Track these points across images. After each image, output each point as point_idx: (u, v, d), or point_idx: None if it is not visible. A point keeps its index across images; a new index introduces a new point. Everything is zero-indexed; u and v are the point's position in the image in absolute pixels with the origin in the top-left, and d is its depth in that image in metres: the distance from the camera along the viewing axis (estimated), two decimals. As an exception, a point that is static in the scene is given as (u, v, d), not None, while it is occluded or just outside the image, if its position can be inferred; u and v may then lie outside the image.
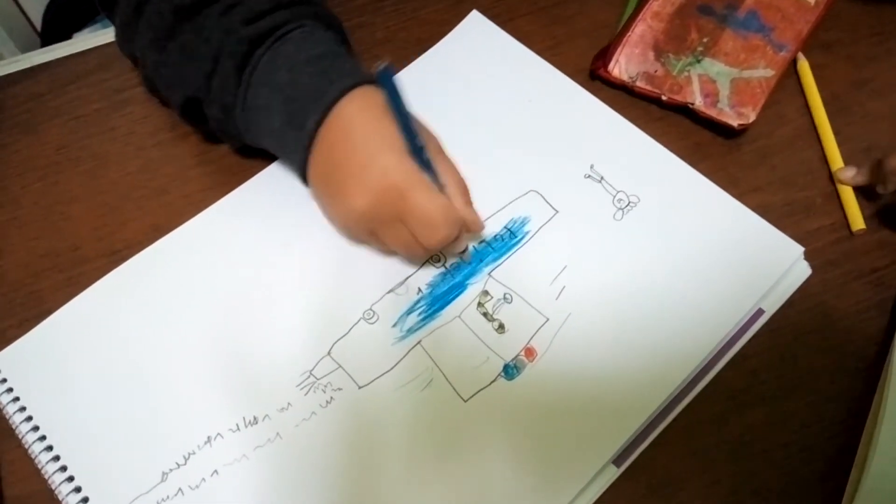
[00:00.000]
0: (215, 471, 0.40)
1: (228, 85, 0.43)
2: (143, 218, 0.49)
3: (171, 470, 0.40)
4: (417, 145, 0.40)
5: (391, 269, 0.45)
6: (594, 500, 0.39)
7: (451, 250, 0.44)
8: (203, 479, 0.39)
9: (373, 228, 0.42)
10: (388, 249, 0.44)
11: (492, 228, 0.47)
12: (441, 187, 0.41)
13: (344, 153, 0.41)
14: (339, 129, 0.41)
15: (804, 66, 0.53)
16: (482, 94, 0.51)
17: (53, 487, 0.40)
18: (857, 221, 0.47)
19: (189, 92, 0.45)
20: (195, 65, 0.43)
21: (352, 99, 0.41)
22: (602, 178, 0.48)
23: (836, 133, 0.50)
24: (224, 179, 0.49)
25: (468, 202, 0.43)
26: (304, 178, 0.44)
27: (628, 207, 0.47)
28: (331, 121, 0.41)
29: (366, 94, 0.41)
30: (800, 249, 0.44)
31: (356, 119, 0.41)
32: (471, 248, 0.46)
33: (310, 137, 0.41)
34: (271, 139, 0.44)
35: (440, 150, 0.43)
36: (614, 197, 0.47)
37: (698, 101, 0.50)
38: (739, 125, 0.49)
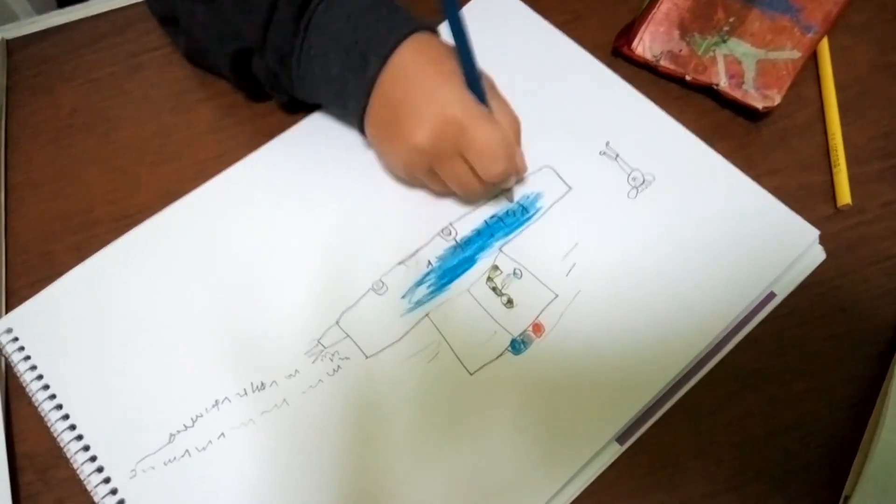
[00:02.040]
0: (222, 434, 0.40)
1: (286, 33, 0.43)
2: (155, 183, 0.49)
3: (178, 431, 0.40)
4: (475, 72, 0.40)
5: (401, 240, 0.45)
6: (596, 476, 0.39)
7: (501, 186, 0.45)
8: (210, 442, 0.40)
9: (432, 163, 0.42)
10: (443, 190, 0.45)
11: (504, 202, 0.46)
12: (496, 120, 0.41)
13: (402, 93, 0.41)
14: (398, 72, 0.41)
15: (823, 51, 0.52)
16: (499, 67, 0.50)
17: (62, 445, 0.40)
18: (844, 196, 0.46)
19: (243, 43, 0.45)
20: (250, 15, 0.43)
21: (409, 45, 0.41)
22: (617, 155, 0.47)
23: (859, 117, 0.49)
24: (237, 147, 0.49)
25: (518, 142, 0.44)
26: (360, 124, 0.45)
27: (643, 186, 0.46)
28: (389, 66, 0.41)
29: (422, 40, 0.42)
30: (815, 233, 0.44)
31: (413, 62, 0.41)
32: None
33: (371, 83, 0.42)
34: (328, 87, 0.44)
35: (494, 88, 0.43)
36: (629, 175, 0.47)
37: (723, 83, 0.49)
38: (764, 108, 0.48)
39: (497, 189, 0.45)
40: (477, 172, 0.41)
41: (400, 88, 0.41)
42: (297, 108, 0.50)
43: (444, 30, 0.41)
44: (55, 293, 0.44)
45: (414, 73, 0.41)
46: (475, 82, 0.41)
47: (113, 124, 0.52)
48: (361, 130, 0.46)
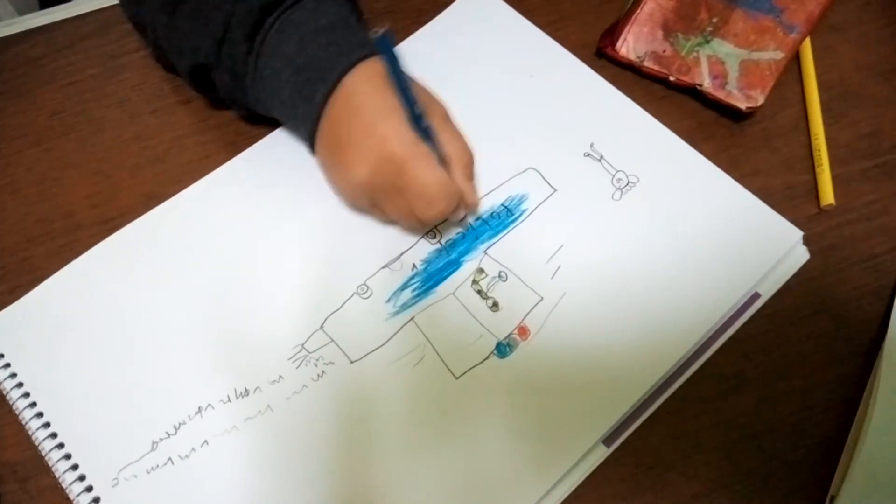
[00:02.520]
0: (205, 441, 0.40)
1: (238, 53, 0.42)
2: (137, 186, 0.49)
3: (161, 439, 0.40)
4: (416, 113, 0.39)
5: (386, 244, 0.45)
6: (583, 479, 0.39)
7: (448, 222, 0.44)
8: (193, 450, 0.39)
9: (374, 199, 0.42)
10: (389, 220, 0.44)
11: (489, 205, 0.46)
12: (442, 157, 0.41)
13: (347, 124, 0.40)
14: (345, 101, 0.40)
15: (806, 51, 0.52)
16: (483, 69, 0.51)
17: (44, 454, 0.40)
18: (827, 196, 0.46)
19: (198, 58, 0.44)
20: (205, 30, 0.42)
21: (359, 71, 0.40)
22: (602, 156, 0.47)
23: (842, 116, 0.50)
24: (220, 149, 0.49)
25: (469, 175, 0.43)
26: (312, 148, 0.44)
27: (627, 187, 0.46)
28: (337, 93, 0.40)
29: (373, 66, 0.41)
30: (798, 234, 0.44)
31: (360, 89, 0.40)
32: (469, 220, 0.46)
33: (318, 110, 0.41)
34: (280, 109, 0.44)
35: (446, 119, 0.42)
36: (613, 176, 0.46)
37: (707, 83, 0.49)
38: (748, 108, 0.48)
39: (451, 222, 0.45)
40: (414, 212, 0.41)
41: (345, 119, 0.40)
42: (259, 121, 0.49)
43: (404, 46, 0.40)
44: (35, 299, 0.44)
45: (359, 104, 0.40)
46: (417, 120, 0.40)
47: (94, 127, 0.51)
48: (314, 153, 0.45)
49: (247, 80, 0.43)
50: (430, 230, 0.46)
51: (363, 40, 0.42)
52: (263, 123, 0.49)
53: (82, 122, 0.52)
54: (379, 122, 0.40)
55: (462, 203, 0.42)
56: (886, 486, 0.37)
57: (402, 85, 0.39)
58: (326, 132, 0.42)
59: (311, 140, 0.43)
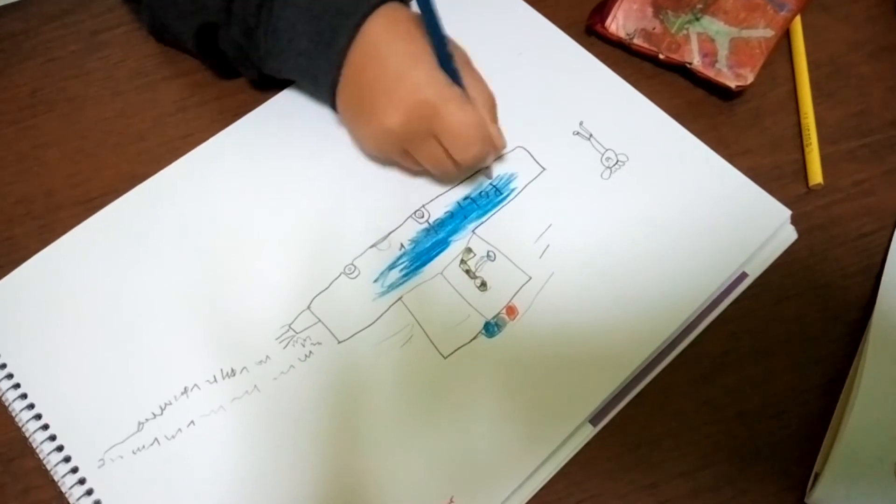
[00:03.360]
0: (192, 421, 0.39)
1: (251, 4, 0.41)
2: (119, 165, 0.48)
3: (147, 420, 0.39)
4: (446, 53, 0.39)
5: (373, 223, 0.45)
6: (570, 458, 0.40)
7: (477, 166, 0.44)
8: (179, 430, 0.39)
9: (406, 146, 0.42)
10: (419, 169, 0.44)
11: (477, 184, 0.46)
12: (470, 99, 0.40)
13: (374, 72, 0.40)
14: (369, 47, 0.40)
15: (796, 29, 0.51)
16: (470, 46, 0.49)
17: (28, 435, 0.39)
18: (816, 176, 0.46)
19: (206, 16, 0.43)
20: None
21: (379, 16, 0.40)
22: (591, 135, 0.47)
23: (831, 95, 0.50)
24: (203, 126, 0.48)
25: (494, 118, 0.43)
26: (332, 100, 0.43)
27: (616, 166, 0.46)
28: (360, 39, 0.40)
29: (393, 11, 0.40)
30: (786, 213, 0.44)
31: (384, 36, 0.40)
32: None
33: (341, 57, 0.40)
34: (296, 62, 0.42)
35: (469, 63, 0.42)
36: (602, 155, 0.46)
37: (696, 61, 0.49)
38: (737, 86, 0.48)
39: (474, 168, 0.45)
40: (450, 154, 0.41)
41: (371, 66, 0.40)
42: (268, 85, 0.48)
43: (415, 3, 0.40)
44: (17, 279, 0.43)
45: (386, 50, 0.40)
46: (448, 62, 0.40)
47: (75, 104, 0.50)
48: (333, 107, 0.44)
49: (258, 34, 0.42)
50: (418, 215, 0.45)
51: None
52: (245, 101, 0.48)
53: (63, 99, 0.51)
54: (410, 68, 0.39)
55: (492, 146, 0.42)
56: (869, 464, 0.37)
57: (435, 28, 0.39)
58: (351, 81, 0.41)
59: (331, 92, 0.42)
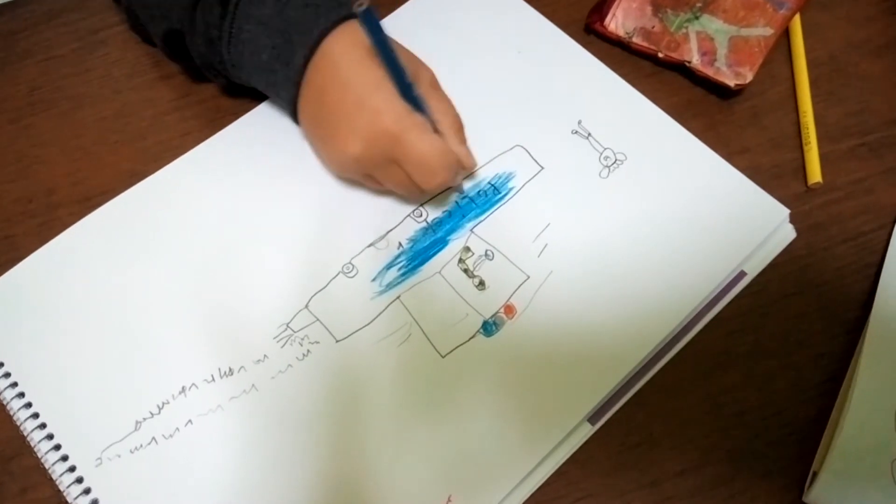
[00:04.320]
0: (189, 421, 0.39)
1: (212, 17, 0.41)
2: (118, 163, 0.48)
3: (144, 419, 0.39)
4: (406, 83, 0.39)
5: (371, 222, 0.45)
6: (568, 457, 0.40)
7: (446, 190, 0.44)
8: (177, 429, 0.39)
9: (369, 171, 0.41)
10: (383, 190, 0.44)
11: (475, 183, 0.46)
12: (434, 124, 0.40)
13: (334, 95, 0.39)
14: (328, 68, 0.39)
15: (795, 28, 0.51)
16: (469, 44, 0.50)
17: (25, 434, 0.39)
18: (815, 174, 0.46)
19: (172, 24, 0.43)
20: None
21: (340, 35, 0.39)
22: (589, 134, 0.47)
23: (831, 94, 0.49)
24: (202, 125, 0.48)
25: (462, 139, 0.42)
26: (294, 116, 0.43)
27: (615, 165, 0.46)
28: (318, 58, 0.39)
29: (354, 32, 0.39)
30: (785, 212, 0.44)
31: (344, 59, 0.39)
32: (464, 185, 0.45)
33: (298, 73, 0.40)
34: (258, 75, 0.42)
35: (434, 85, 0.42)
36: (601, 154, 0.46)
37: (695, 60, 0.49)
38: (736, 85, 0.48)
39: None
40: (414, 182, 0.40)
41: (331, 89, 0.39)
42: (238, 92, 0.48)
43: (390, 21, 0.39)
44: (16, 278, 0.43)
45: (346, 74, 0.39)
46: (408, 91, 0.39)
47: (73, 103, 0.50)
48: (296, 122, 0.44)
49: (222, 46, 0.42)
50: (418, 206, 0.45)
51: (343, 1, 0.40)
52: (245, 97, 0.48)
53: (61, 98, 0.51)
54: (369, 96, 0.39)
55: (461, 166, 0.41)
56: (867, 463, 0.37)
57: (390, 58, 0.38)
58: (311, 101, 0.41)
59: (292, 107, 0.42)
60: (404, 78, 0.39)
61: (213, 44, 0.42)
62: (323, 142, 0.43)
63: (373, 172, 0.41)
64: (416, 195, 0.43)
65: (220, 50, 0.42)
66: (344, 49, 0.39)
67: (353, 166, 0.41)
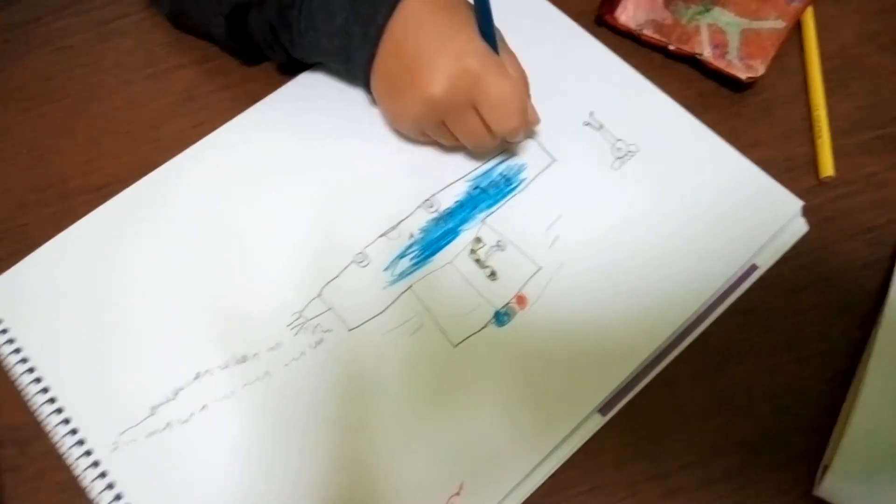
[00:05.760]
0: (205, 406, 0.40)
1: None
2: (131, 153, 0.48)
3: (160, 404, 0.40)
4: (490, 25, 0.39)
5: (384, 213, 0.45)
6: (578, 447, 0.40)
7: (512, 140, 0.44)
8: (192, 414, 0.39)
9: (444, 117, 0.42)
10: (452, 143, 0.44)
11: (487, 174, 0.46)
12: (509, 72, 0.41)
13: (414, 44, 0.40)
14: (409, 20, 0.40)
15: (808, 20, 0.51)
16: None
17: (42, 419, 0.40)
18: (827, 168, 0.46)
19: None
20: None
21: None
22: (602, 125, 0.47)
23: (843, 87, 0.49)
24: (214, 115, 0.48)
25: (528, 94, 0.43)
26: (366, 78, 0.43)
27: (627, 156, 0.46)
28: (399, 13, 0.40)
29: None
30: (798, 204, 0.44)
31: (424, 9, 0.40)
32: (465, 191, 0.45)
33: (379, 31, 0.40)
34: (330, 41, 0.42)
35: (503, 40, 0.42)
36: (613, 145, 0.46)
37: (707, 52, 0.49)
38: (748, 78, 0.48)
39: (504, 145, 0.45)
40: (489, 126, 0.41)
41: (411, 38, 0.40)
42: (293, 70, 0.49)
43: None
44: (31, 265, 0.44)
45: (427, 22, 0.40)
46: (490, 31, 0.40)
47: (86, 93, 0.51)
48: (365, 84, 0.44)
49: (293, 13, 0.42)
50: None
51: None
52: (258, 90, 0.48)
53: (74, 88, 0.51)
54: (452, 37, 0.39)
55: (527, 120, 0.42)
56: (878, 456, 0.37)
57: None
58: (388, 56, 0.41)
59: (366, 69, 0.42)
60: (490, 14, 0.39)
61: (284, 12, 0.42)
62: (400, 92, 0.42)
63: (448, 117, 0.41)
64: (485, 145, 0.43)
65: (290, 19, 0.42)
66: (421, 2, 0.40)
67: (432, 110, 0.41)
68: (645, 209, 0.44)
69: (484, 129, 0.41)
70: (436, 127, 0.43)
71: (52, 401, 0.40)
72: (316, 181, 0.46)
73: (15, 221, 0.46)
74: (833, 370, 0.42)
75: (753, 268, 0.43)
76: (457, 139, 0.43)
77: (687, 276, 0.42)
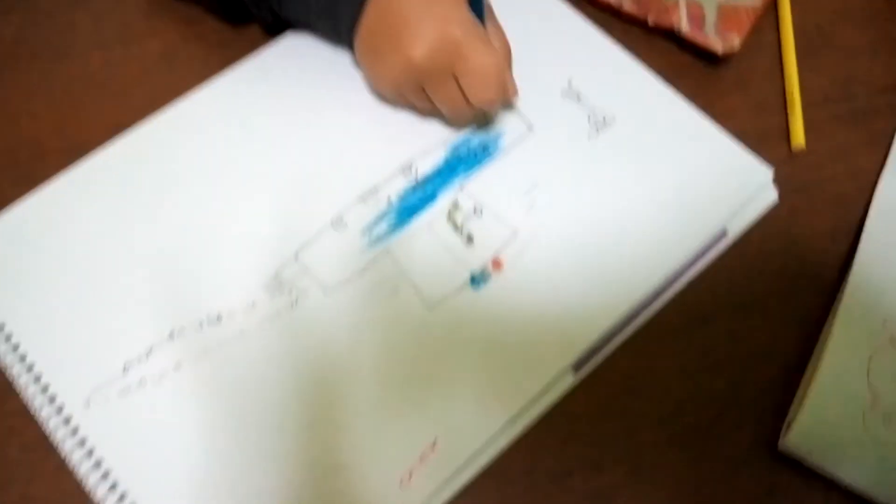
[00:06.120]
0: (178, 364, 0.39)
1: None
2: (104, 116, 0.48)
3: (133, 362, 0.39)
4: None
5: (361, 177, 0.45)
6: (551, 404, 0.40)
7: (489, 110, 0.44)
8: (165, 373, 0.39)
9: (423, 82, 0.41)
10: (429, 109, 0.44)
11: (465, 141, 0.46)
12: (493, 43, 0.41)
13: (401, 6, 0.40)
14: None
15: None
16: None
17: (11, 377, 0.40)
18: (798, 139, 0.47)
19: None
20: None
21: None
22: (579, 95, 0.47)
23: (816, 62, 0.50)
24: (188, 80, 0.48)
25: (510, 66, 0.43)
26: (349, 37, 0.43)
27: (603, 126, 0.46)
28: None
29: None
30: (769, 172, 0.45)
31: None
32: (444, 157, 0.46)
33: None
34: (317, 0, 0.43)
35: (491, 11, 0.42)
36: (590, 115, 0.47)
37: (684, 26, 0.49)
38: (724, 51, 0.49)
39: (482, 115, 0.45)
40: (467, 95, 0.41)
41: (397, 2, 0.40)
42: (275, 32, 0.48)
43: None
44: (3, 225, 0.43)
45: None
46: (478, 2, 0.40)
47: (59, 55, 0.50)
48: (349, 44, 0.44)
49: None
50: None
51: None
52: (236, 53, 0.48)
53: (46, 50, 0.50)
54: (438, 4, 0.39)
55: (506, 93, 0.42)
56: (840, 413, 0.38)
57: None
58: (373, 17, 0.41)
59: (350, 28, 0.42)
60: None
61: None
62: (383, 54, 0.42)
63: (428, 84, 0.41)
64: (462, 115, 0.43)
65: None
66: None
67: (412, 74, 0.41)
68: (620, 177, 0.45)
69: (462, 98, 0.41)
70: (415, 92, 0.43)
71: (22, 358, 0.40)
72: (294, 144, 0.45)
73: (-14, 181, 0.46)
74: (800, 332, 0.42)
75: (724, 233, 0.44)
76: (433, 105, 0.43)
77: (659, 242, 0.43)
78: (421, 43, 0.39)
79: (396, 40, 0.40)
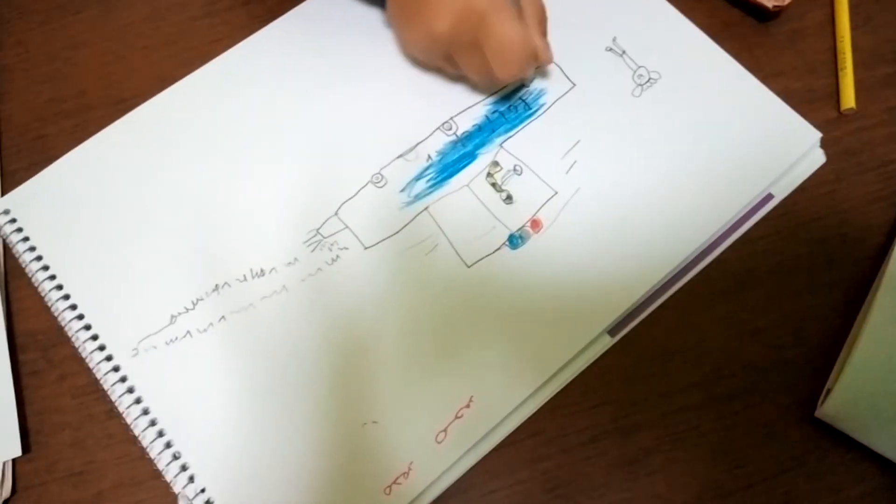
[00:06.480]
0: (223, 317, 0.41)
1: None
2: (149, 68, 0.48)
3: (179, 313, 0.41)
4: None
5: (401, 134, 0.45)
6: (586, 366, 0.41)
7: (517, 81, 0.44)
8: (210, 324, 0.40)
9: (449, 52, 0.41)
10: (459, 75, 0.44)
11: (506, 98, 0.46)
12: (519, 11, 0.40)
13: None
14: None
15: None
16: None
17: (64, 325, 0.41)
18: (848, 100, 0.46)
19: None
20: None
21: None
22: (624, 51, 0.46)
23: (869, 20, 0.48)
24: (232, 32, 0.48)
25: (544, 31, 0.42)
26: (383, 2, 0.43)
27: (648, 83, 0.45)
28: None
29: None
30: (817, 135, 0.43)
31: None
32: (484, 115, 0.45)
33: None
34: None
35: None
36: (635, 72, 0.46)
37: (733, -20, 0.48)
38: (774, 7, 0.47)
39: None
40: (492, 68, 0.40)
41: None
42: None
43: None
44: (52, 176, 0.44)
45: None
46: None
47: (104, 6, 0.50)
48: (382, 5, 0.44)
49: None
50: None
51: None
52: (279, 5, 0.48)
53: (93, 1, 0.50)
54: None
55: (536, 60, 0.42)
56: (880, 382, 0.38)
57: None
58: None
59: None
60: None
61: None
62: (409, 22, 0.42)
63: (454, 53, 0.41)
64: (490, 83, 0.43)
65: None
66: None
67: (435, 46, 0.41)
68: (664, 136, 0.44)
69: (488, 67, 0.41)
70: (443, 60, 0.42)
71: (73, 307, 0.41)
72: (334, 101, 0.45)
73: (34, 133, 0.47)
74: (842, 299, 0.42)
75: (770, 197, 0.43)
76: (462, 72, 0.43)
77: (702, 204, 0.42)
78: (442, 13, 0.39)
79: (422, 11, 0.40)
